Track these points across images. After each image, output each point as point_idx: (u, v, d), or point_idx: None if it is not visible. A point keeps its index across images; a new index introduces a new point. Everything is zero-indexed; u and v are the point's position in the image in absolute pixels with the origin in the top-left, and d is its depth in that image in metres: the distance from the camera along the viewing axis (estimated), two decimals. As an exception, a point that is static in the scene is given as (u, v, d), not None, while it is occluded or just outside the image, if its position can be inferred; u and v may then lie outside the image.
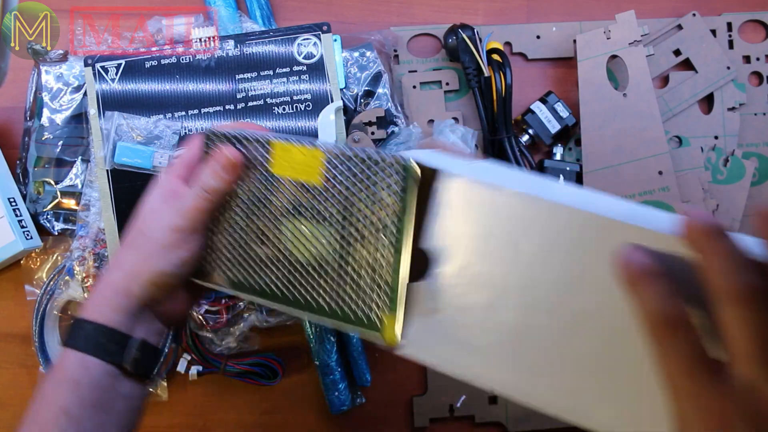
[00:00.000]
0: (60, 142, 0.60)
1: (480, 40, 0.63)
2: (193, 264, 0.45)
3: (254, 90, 0.59)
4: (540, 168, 0.64)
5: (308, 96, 0.59)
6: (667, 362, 0.26)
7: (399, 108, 0.62)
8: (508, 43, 0.67)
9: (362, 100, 0.61)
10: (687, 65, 0.67)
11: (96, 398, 0.42)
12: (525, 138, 0.65)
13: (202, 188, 0.45)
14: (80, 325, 0.43)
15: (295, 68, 0.59)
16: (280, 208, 0.43)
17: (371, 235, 0.39)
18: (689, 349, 0.25)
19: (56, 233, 0.61)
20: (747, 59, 0.67)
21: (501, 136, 0.62)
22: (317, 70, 0.59)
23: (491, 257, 0.34)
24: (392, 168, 0.38)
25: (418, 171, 0.37)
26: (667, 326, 0.25)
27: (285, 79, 0.59)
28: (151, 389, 0.56)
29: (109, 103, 0.58)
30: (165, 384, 0.63)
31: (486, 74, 0.62)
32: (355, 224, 0.40)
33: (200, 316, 0.59)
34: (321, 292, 0.41)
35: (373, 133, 0.60)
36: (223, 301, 0.59)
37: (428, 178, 0.37)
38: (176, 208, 0.44)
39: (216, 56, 0.59)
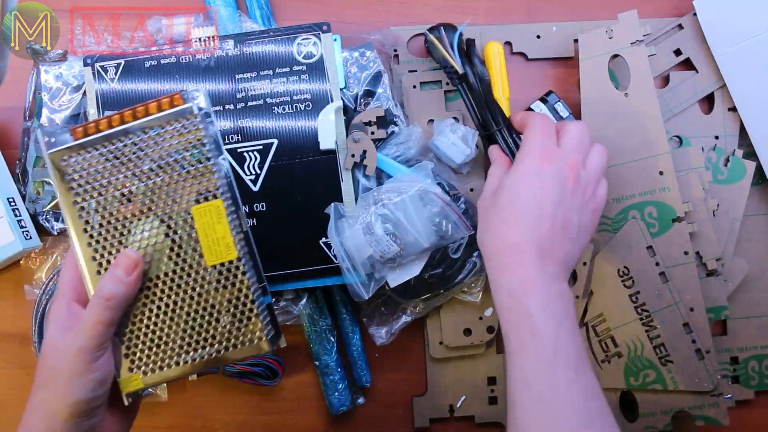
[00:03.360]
0: (59, 142, 0.60)
1: (454, 36, 0.62)
2: (108, 381, 0.44)
3: (254, 90, 0.59)
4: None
5: (308, 96, 0.59)
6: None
7: (399, 108, 0.62)
8: (508, 43, 0.67)
9: (362, 100, 0.61)
10: (687, 65, 0.67)
11: None
12: (525, 138, 0.65)
13: (101, 297, 0.43)
14: None
15: (295, 68, 0.59)
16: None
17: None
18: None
19: (56, 233, 0.61)
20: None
21: (491, 129, 0.61)
22: (317, 69, 0.59)
23: None
24: None
25: None
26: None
27: (285, 79, 0.59)
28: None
29: (109, 102, 0.58)
30: (165, 384, 0.63)
31: (460, 71, 0.61)
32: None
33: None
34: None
35: (373, 133, 0.59)
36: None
37: None
38: (77, 331, 0.43)
39: (216, 56, 0.59)
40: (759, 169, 0.65)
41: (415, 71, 0.66)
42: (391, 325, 0.61)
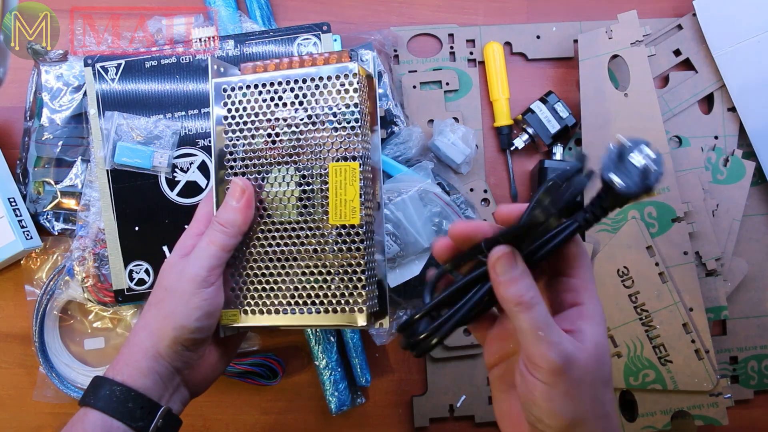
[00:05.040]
0: (60, 142, 0.60)
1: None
2: (214, 317, 0.45)
3: (254, 90, 0.59)
4: (540, 168, 0.64)
5: (308, 96, 0.59)
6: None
7: (399, 108, 0.62)
8: (508, 43, 0.67)
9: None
10: (687, 65, 0.67)
11: None
12: (524, 137, 0.65)
13: (216, 222, 0.45)
14: (106, 385, 0.42)
15: (295, 68, 0.59)
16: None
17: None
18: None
19: (56, 233, 0.61)
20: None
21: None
22: (317, 70, 0.59)
23: None
24: None
25: None
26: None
27: (285, 79, 0.59)
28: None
29: (109, 103, 0.58)
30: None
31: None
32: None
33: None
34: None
35: (373, 133, 0.59)
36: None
37: None
38: (192, 255, 0.44)
39: (216, 56, 0.59)
40: (758, 169, 0.65)
41: (415, 71, 0.66)
42: (391, 325, 0.61)
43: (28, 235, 0.60)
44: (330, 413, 0.62)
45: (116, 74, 0.59)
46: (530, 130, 0.64)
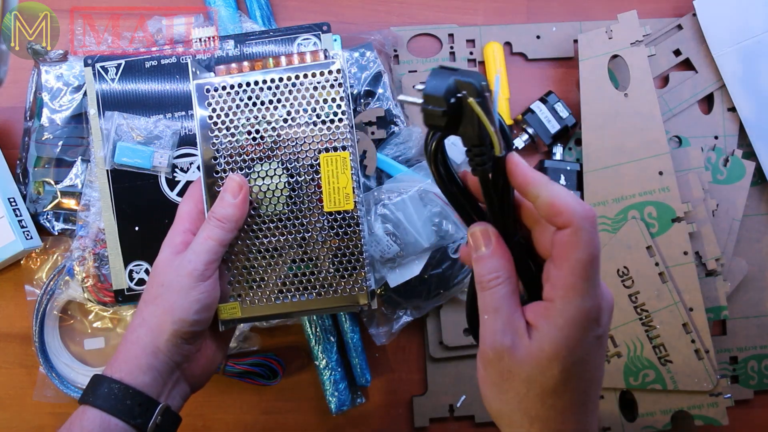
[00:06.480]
0: (60, 142, 0.60)
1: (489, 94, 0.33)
2: (212, 309, 0.46)
3: (254, 90, 0.59)
4: (540, 168, 0.64)
5: (308, 96, 0.59)
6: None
7: (399, 108, 0.62)
8: (508, 43, 0.67)
9: (362, 100, 0.61)
10: (687, 65, 0.67)
11: None
12: (524, 137, 0.65)
13: (213, 218, 0.45)
14: (104, 383, 0.43)
15: (295, 68, 0.59)
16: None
17: None
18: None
19: (56, 233, 0.61)
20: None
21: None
22: (317, 70, 0.59)
23: None
24: None
25: None
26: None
27: (285, 79, 0.59)
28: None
29: (109, 103, 0.58)
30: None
31: (501, 152, 0.34)
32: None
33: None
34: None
35: (373, 133, 0.60)
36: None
37: None
38: (189, 250, 0.45)
39: (216, 56, 0.59)
40: (758, 169, 0.65)
41: (415, 71, 0.66)
42: (391, 325, 0.61)
43: (28, 235, 0.60)
44: (330, 413, 0.62)
45: (116, 74, 0.59)
46: (530, 130, 0.64)
